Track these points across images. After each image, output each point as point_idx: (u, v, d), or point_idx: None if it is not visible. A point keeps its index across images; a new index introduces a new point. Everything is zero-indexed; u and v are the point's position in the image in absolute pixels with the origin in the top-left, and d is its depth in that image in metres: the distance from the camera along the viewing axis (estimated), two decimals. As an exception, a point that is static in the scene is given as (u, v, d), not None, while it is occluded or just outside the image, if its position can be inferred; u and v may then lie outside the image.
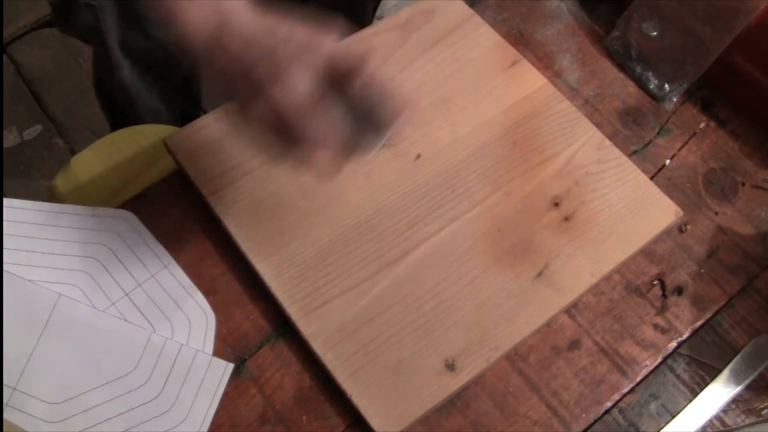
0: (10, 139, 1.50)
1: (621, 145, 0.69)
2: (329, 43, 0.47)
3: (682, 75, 0.73)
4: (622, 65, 0.75)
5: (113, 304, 0.58)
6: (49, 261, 0.59)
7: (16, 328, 0.56)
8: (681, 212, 0.65)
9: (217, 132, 0.64)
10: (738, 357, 0.62)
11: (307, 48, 0.46)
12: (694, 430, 0.59)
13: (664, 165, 0.71)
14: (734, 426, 0.59)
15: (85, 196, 0.69)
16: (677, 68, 0.73)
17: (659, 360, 0.61)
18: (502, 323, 0.59)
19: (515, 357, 0.60)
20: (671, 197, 0.66)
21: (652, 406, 0.60)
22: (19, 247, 0.59)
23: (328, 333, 0.57)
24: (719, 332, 0.63)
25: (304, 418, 0.56)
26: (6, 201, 0.60)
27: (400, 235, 0.62)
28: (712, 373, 0.61)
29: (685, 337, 0.62)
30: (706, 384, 0.61)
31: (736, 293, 0.65)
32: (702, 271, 0.65)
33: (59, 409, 0.54)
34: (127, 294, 0.59)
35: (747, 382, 0.61)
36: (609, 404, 0.59)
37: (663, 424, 0.59)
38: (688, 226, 0.67)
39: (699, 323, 0.63)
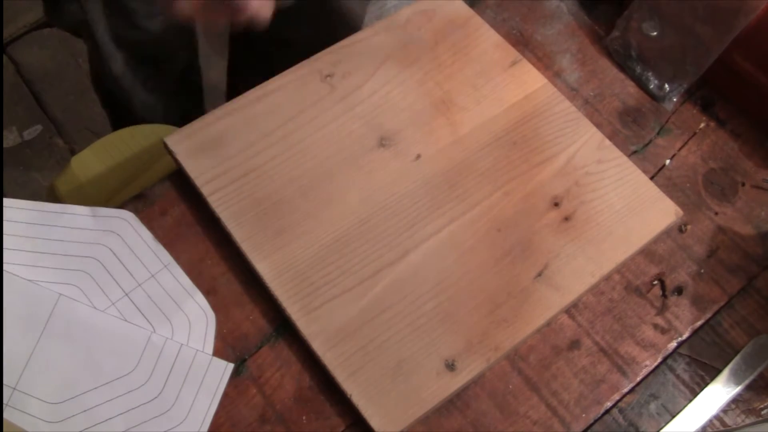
0: (10, 139, 1.51)
1: (621, 145, 0.69)
2: None
3: (682, 75, 0.73)
4: (622, 65, 0.75)
5: (113, 304, 0.58)
6: (49, 261, 0.59)
7: (16, 328, 0.56)
8: (681, 212, 0.65)
9: (217, 132, 0.64)
10: (738, 357, 0.62)
11: None
12: (694, 430, 0.59)
13: (664, 165, 0.71)
14: (734, 426, 0.59)
15: (85, 196, 0.70)
16: (677, 68, 0.73)
17: (659, 360, 0.61)
18: (502, 323, 0.59)
19: (515, 357, 0.60)
20: (671, 197, 0.66)
21: (652, 406, 0.60)
22: (19, 247, 0.59)
23: (328, 333, 0.57)
24: (719, 332, 0.63)
25: (304, 418, 0.56)
26: (6, 201, 0.60)
27: (400, 235, 0.62)
28: (712, 373, 0.61)
29: (685, 337, 0.63)
30: (706, 384, 0.61)
31: (736, 293, 0.65)
32: (702, 271, 0.65)
33: (59, 409, 0.54)
34: (127, 294, 0.59)
35: (747, 382, 0.61)
36: (609, 404, 0.59)
37: (663, 424, 0.59)
38: (688, 226, 0.67)
39: (699, 323, 0.63)
